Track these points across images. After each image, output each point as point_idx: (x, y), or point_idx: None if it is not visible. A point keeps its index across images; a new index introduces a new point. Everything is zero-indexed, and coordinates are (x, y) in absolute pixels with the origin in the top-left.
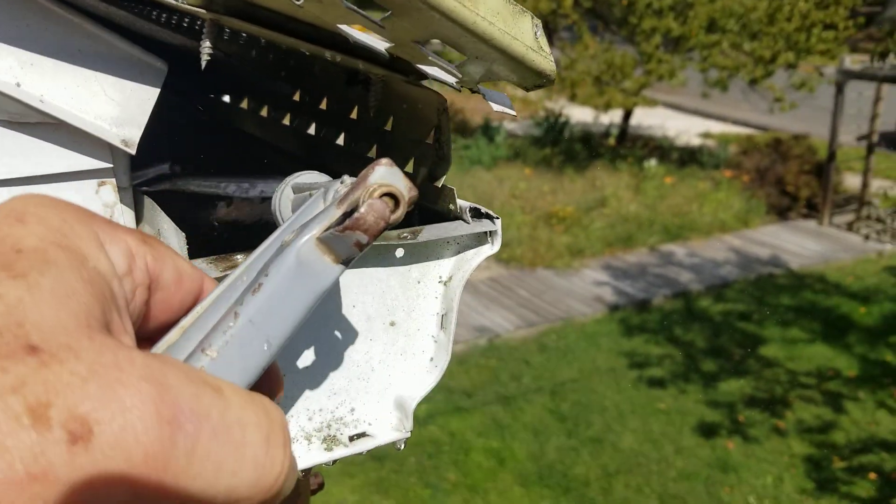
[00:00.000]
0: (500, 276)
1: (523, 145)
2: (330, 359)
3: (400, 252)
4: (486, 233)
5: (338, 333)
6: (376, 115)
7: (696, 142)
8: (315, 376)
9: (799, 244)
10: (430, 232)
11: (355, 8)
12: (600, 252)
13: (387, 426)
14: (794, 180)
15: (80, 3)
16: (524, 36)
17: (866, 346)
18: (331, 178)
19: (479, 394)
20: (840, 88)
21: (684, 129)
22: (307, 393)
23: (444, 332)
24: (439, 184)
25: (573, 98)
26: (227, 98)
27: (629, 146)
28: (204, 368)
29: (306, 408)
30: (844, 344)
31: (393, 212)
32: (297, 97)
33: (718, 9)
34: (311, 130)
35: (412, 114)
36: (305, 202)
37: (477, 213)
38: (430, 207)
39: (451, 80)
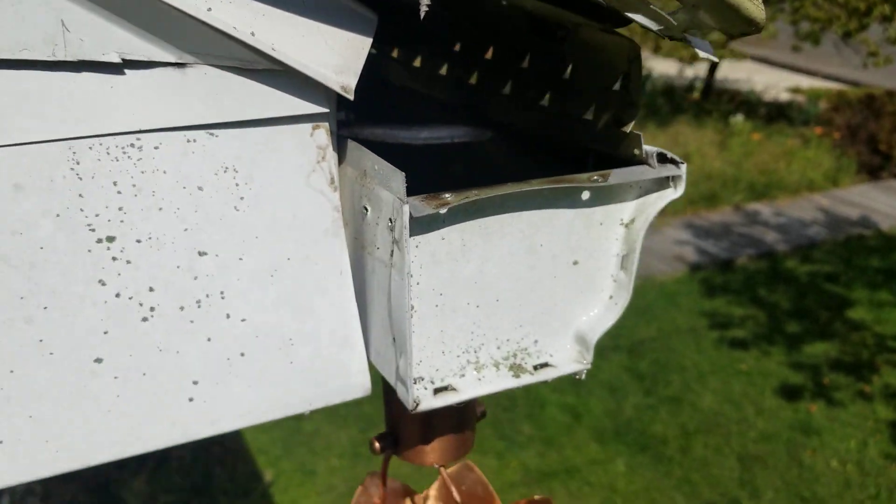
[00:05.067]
0: None
1: None
2: (518, 293)
3: (586, 195)
4: (668, 177)
5: (525, 270)
6: (571, 64)
7: (784, 97)
8: (504, 309)
9: (890, 205)
10: (619, 175)
11: None
12: (682, 210)
13: (568, 358)
14: (887, 138)
15: None
16: None
17: None
18: None
19: None
20: None
21: (773, 83)
22: (496, 324)
23: (625, 272)
24: (627, 129)
25: (657, 50)
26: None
27: (714, 101)
28: None
29: (496, 337)
30: None
31: None
32: (457, 47)
33: None
34: (473, 80)
35: (599, 61)
36: None
37: (662, 158)
38: (612, 153)
39: (656, 27)
